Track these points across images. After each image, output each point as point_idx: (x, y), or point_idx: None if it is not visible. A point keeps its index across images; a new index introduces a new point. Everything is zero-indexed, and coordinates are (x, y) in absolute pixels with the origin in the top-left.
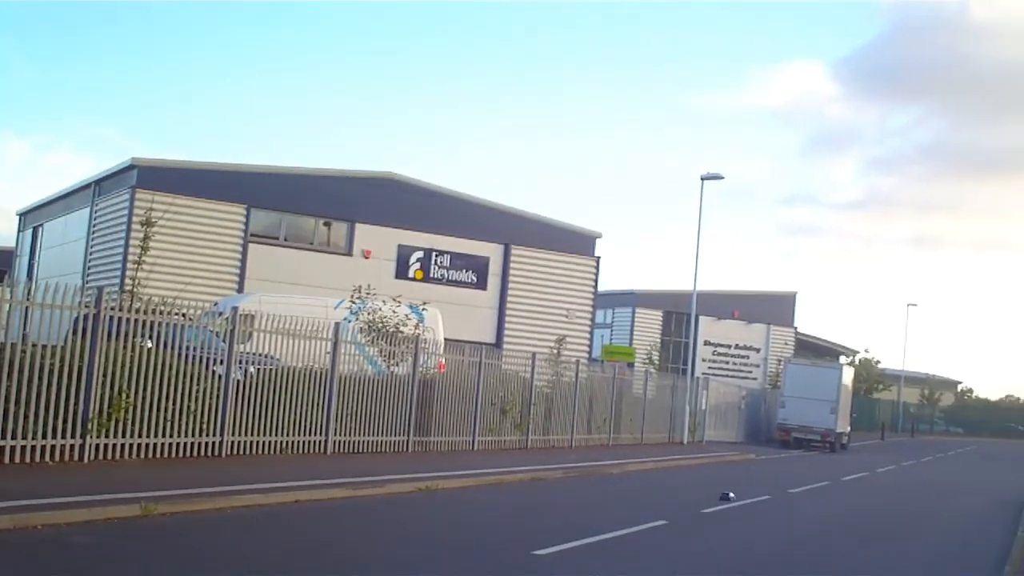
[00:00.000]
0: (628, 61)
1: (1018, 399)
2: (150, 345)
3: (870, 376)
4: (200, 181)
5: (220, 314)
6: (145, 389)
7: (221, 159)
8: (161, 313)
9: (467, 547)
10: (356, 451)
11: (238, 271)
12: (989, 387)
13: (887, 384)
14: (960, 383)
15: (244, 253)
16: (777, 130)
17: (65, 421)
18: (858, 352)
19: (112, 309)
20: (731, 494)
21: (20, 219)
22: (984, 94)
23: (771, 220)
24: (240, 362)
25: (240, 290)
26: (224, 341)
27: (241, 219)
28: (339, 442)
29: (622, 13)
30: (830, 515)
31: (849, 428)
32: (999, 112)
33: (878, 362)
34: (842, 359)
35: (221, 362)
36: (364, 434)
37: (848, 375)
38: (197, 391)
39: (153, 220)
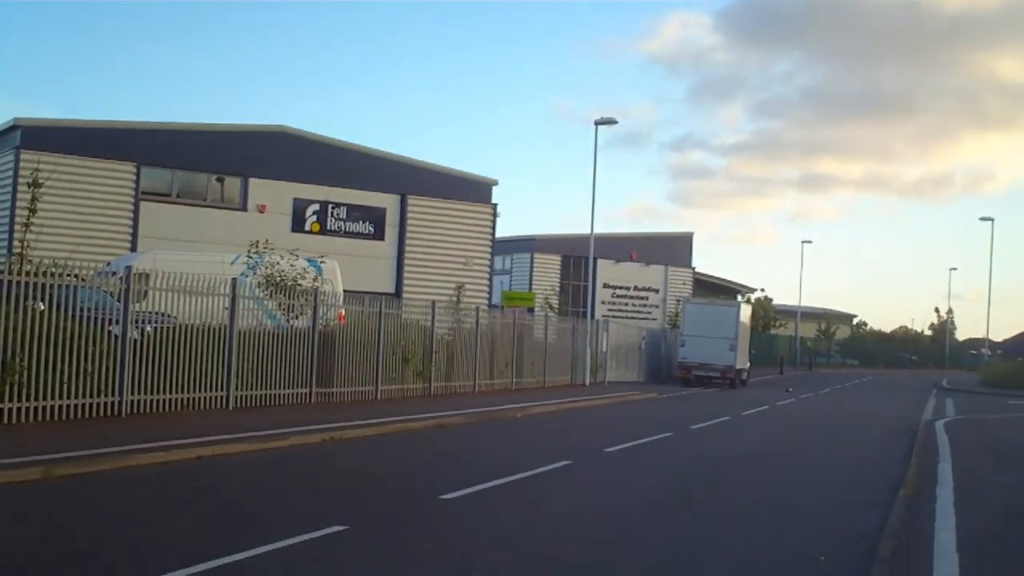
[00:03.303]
0: (518, 8)
1: (910, 330)
2: (42, 307)
3: (767, 313)
4: (87, 140)
5: (113, 274)
6: (40, 352)
7: (108, 118)
8: (53, 275)
9: (374, 495)
10: (259, 405)
11: (131, 230)
12: (883, 319)
13: (784, 320)
14: (855, 316)
15: (136, 212)
16: (663, 78)
17: None
18: (755, 290)
19: (1, 272)
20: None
21: None
22: (862, 38)
23: (662, 164)
24: (136, 321)
25: (133, 249)
26: (119, 301)
27: (131, 177)
28: (241, 397)
29: None
30: (730, 449)
31: (748, 364)
32: (877, 55)
33: (770, 299)
34: (739, 297)
35: (117, 322)
36: (266, 388)
37: (745, 312)
38: (93, 352)
39: (40, 181)
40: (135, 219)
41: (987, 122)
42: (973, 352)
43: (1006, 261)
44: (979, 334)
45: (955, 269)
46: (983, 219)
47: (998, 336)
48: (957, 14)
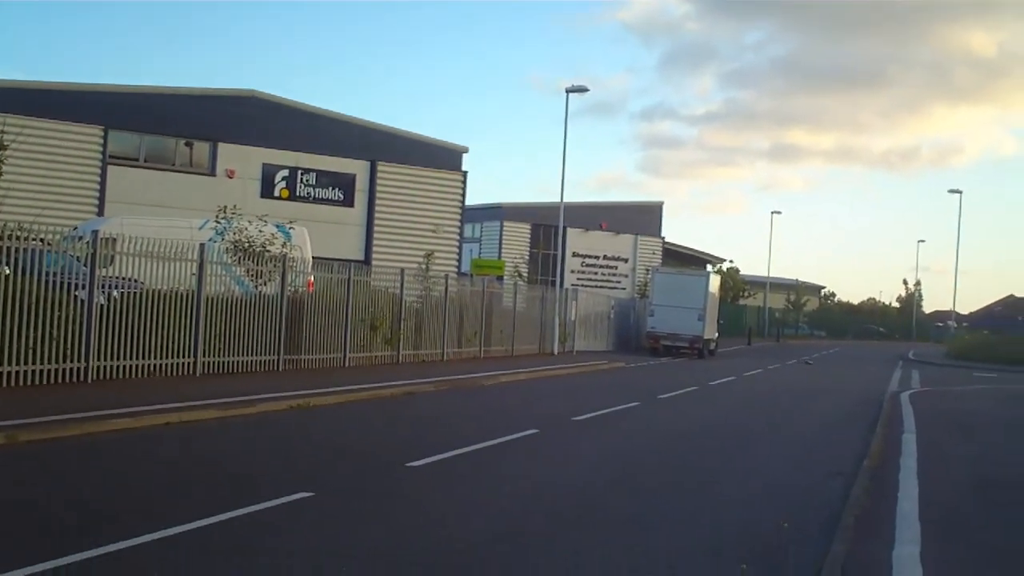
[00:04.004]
0: None
1: (878, 302)
2: (7, 272)
3: (736, 283)
4: (54, 102)
5: (80, 238)
6: (5, 316)
7: (75, 80)
8: (19, 239)
9: (341, 462)
10: (226, 372)
11: (98, 194)
12: (851, 291)
13: (753, 291)
14: (823, 288)
15: (103, 176)
16: (635, 47)
17: None
18: (724, 260)
19: None
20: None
21: None
22: (833, 9)
23: (633, 133)
24: (103, 286)
25: (101, 213)
26: (85, 265)
27: (99, 141)
28: (208, 363)
29: None
30: (697, 419)
31: (717, 334)
32: (848, 27)
33: (738, 269)
34: (708, 267)
35: (83, 287)
36: (234, 355)
37: (714, 282)
38: (59, 317)
39: (5, 144)
40: (102, 183)
41: (956, 95)
42: (940, 324)
43: (973, 234)
44: (946, 307)
45: (923, 241)
46: (952, 191)
47: (964, 309)
48: None
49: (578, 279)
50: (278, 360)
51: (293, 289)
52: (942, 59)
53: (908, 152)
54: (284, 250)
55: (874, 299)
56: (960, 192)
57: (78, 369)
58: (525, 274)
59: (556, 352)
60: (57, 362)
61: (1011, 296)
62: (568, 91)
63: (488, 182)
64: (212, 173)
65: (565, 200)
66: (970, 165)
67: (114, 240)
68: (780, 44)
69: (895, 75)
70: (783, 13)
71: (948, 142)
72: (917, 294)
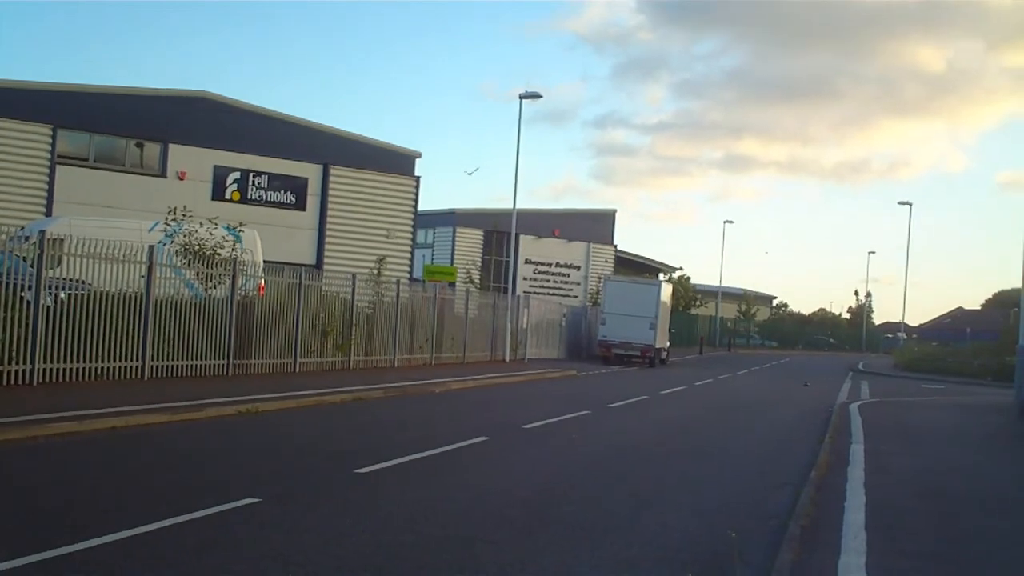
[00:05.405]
0: None
1: (829, 313)
2: None
3: (687, 292)
4: (1, 100)
5: (27, 238)
6: None
7: (24, 78)
8: None
9: (288, 467)
10: (174, 375)
11: (46, 194)
12: (802, 301)
13: (705, 300)
14: (775, 298)
15: (52, 175)
16: (588, 56)
17: None
18: (676, 269)
19: None
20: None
21: None
22: (784, 21)
23: (586, 142)
24: (50, 288)
25: (49, 214)
26: (32, 266)
27: (47, 140)
28: (156, 367)
29: None
30: (647, 428)
31: (668, 343)
32: (799, 39)
33: (689, 278)
34: (660, 276)
35: (29, 288)
36: (182, 358)
37: (666, 291)
38: (4, 318)
39: None
40: (51, 183)
41: (904, 109)
42: (889, 336)
43: (922, 247)
44: (896, 318)
45: (873, 253)
46: (902, 203)
47: (914, 321)
48: (878, 1)
49: (530, 286)
50: (227, 364)
51: (243, 293)
52: (891, 73)
53: (858, 164)
54: (235, 253)
55: (825, 310)
56: (910, 204)
57: (23, 372)
58: (477, 280)
59: (507, 359)
60: (2, 364)
61: (959, 309)
62: (522, 97)
63: (441, 188)
64: (163, 174)
65: (518, 207)
66: (918, 179)
67: (62, 241)
68: (731, 55)
69: (845, 88)
70: (734, 25)
71: (897, 155)
72: (867, 305)
